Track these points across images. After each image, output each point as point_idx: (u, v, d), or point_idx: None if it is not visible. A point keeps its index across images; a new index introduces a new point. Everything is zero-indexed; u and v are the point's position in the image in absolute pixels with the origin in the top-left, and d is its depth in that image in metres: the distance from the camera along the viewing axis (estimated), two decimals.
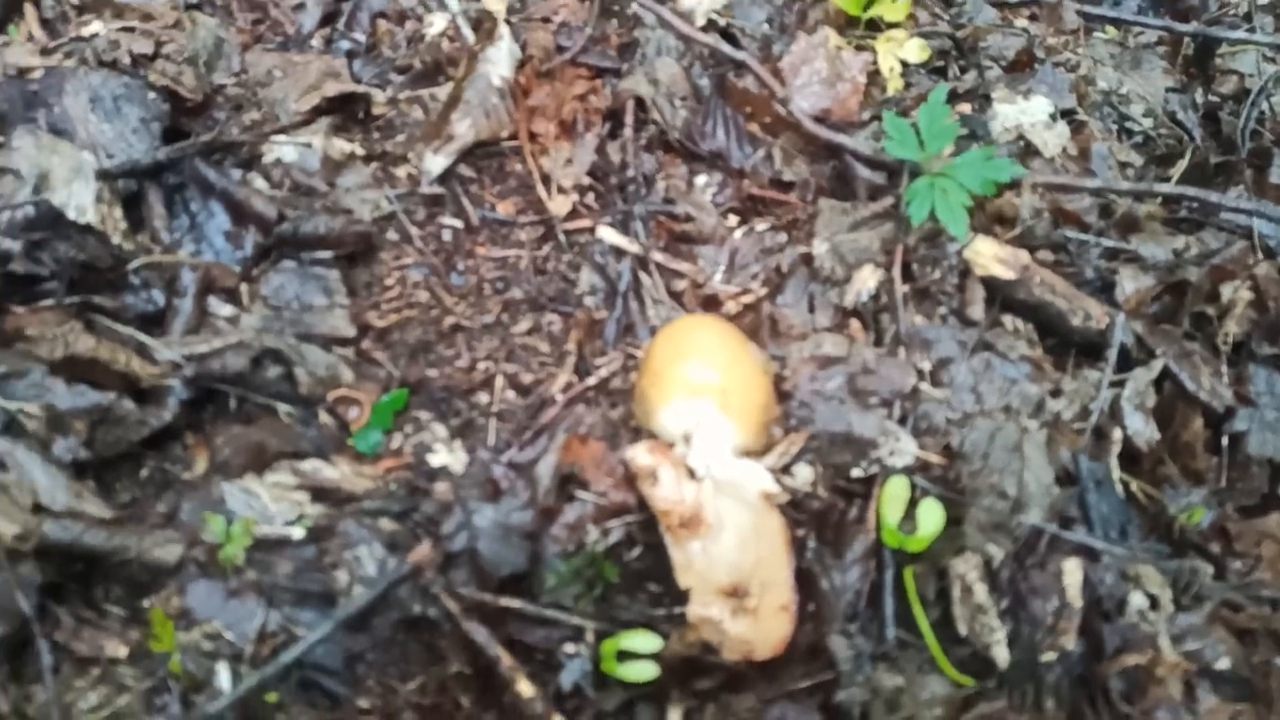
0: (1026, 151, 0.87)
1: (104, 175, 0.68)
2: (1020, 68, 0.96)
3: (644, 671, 0.58)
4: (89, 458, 0.58)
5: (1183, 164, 0.93)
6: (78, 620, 0.55)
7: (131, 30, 0.79)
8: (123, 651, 0.55)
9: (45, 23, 0.82)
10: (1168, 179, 0.91)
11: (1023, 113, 0.89)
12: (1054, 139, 0.88)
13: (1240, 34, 1.05)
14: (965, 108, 0.89)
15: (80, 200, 0.67)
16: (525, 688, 0.56)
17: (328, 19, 0.92)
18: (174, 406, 0.62)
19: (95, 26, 0.79)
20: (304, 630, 0.57)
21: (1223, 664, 0.58)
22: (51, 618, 0.54)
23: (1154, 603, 0.60)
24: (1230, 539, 0.65)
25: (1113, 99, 0.97)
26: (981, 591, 0.59)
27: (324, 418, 0.65)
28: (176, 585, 0.57)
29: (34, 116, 0.71)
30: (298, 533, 0.60)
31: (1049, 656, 0.58)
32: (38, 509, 0.55)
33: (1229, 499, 0.68)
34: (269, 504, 0.61)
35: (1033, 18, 1.06)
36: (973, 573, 0.59)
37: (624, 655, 0.59)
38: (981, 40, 0.97)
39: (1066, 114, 0.92)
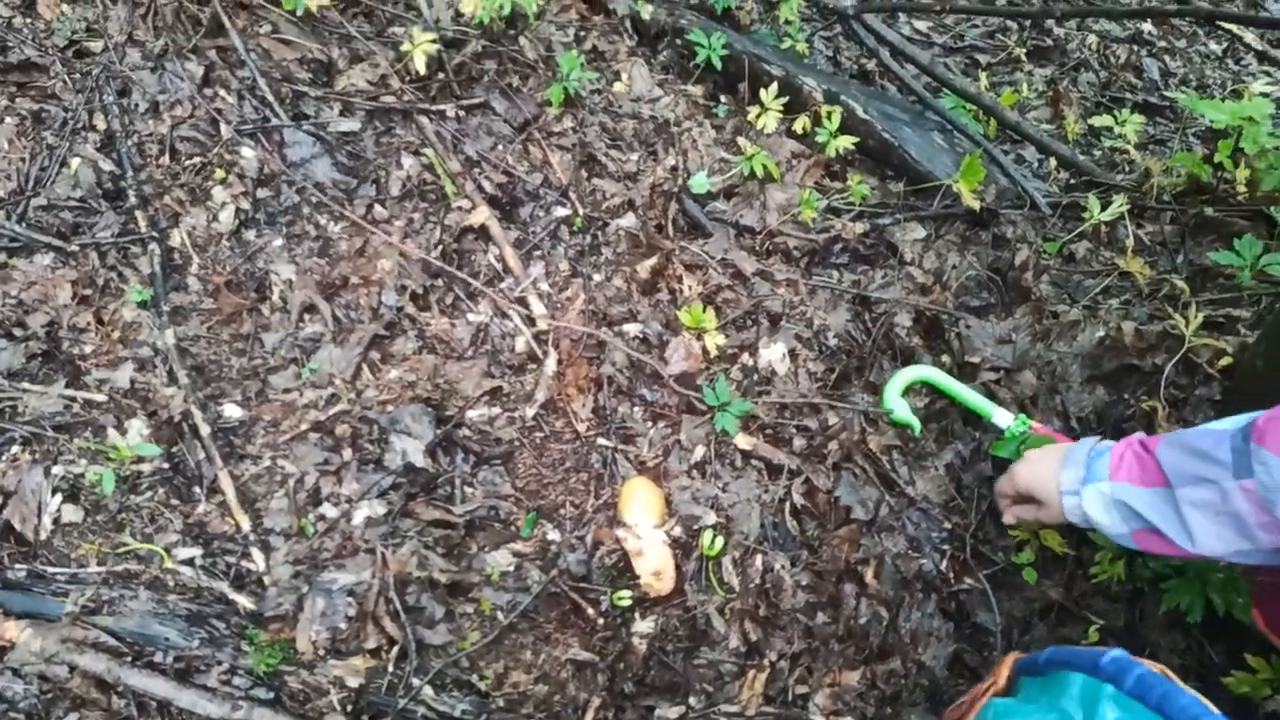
0: (772, 374, 2.06)
1: None
2: (776, 321, 2.15)
3: (626, 600, 1.81)
4: None
5: (846, 363, 2.13)
6: None
7: None
8: None
9: None
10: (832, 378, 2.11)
11: (770, 353, 2.08)
12: (784, 367, 2.07)
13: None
14: (746, 357, 2.08)
15: None
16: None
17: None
18: None
19: None
20: None
21: None
22: None
23: None
24: None
25: (817, 332, 2.15)
26: None
27: None
28: None
29: None
30: None
31: None
32: None
33: None
34: None
35: (789, 283, 2.24)
36: None
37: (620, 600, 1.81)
38: (757, 311, 2.15)
39: (792, 350, 2.11)
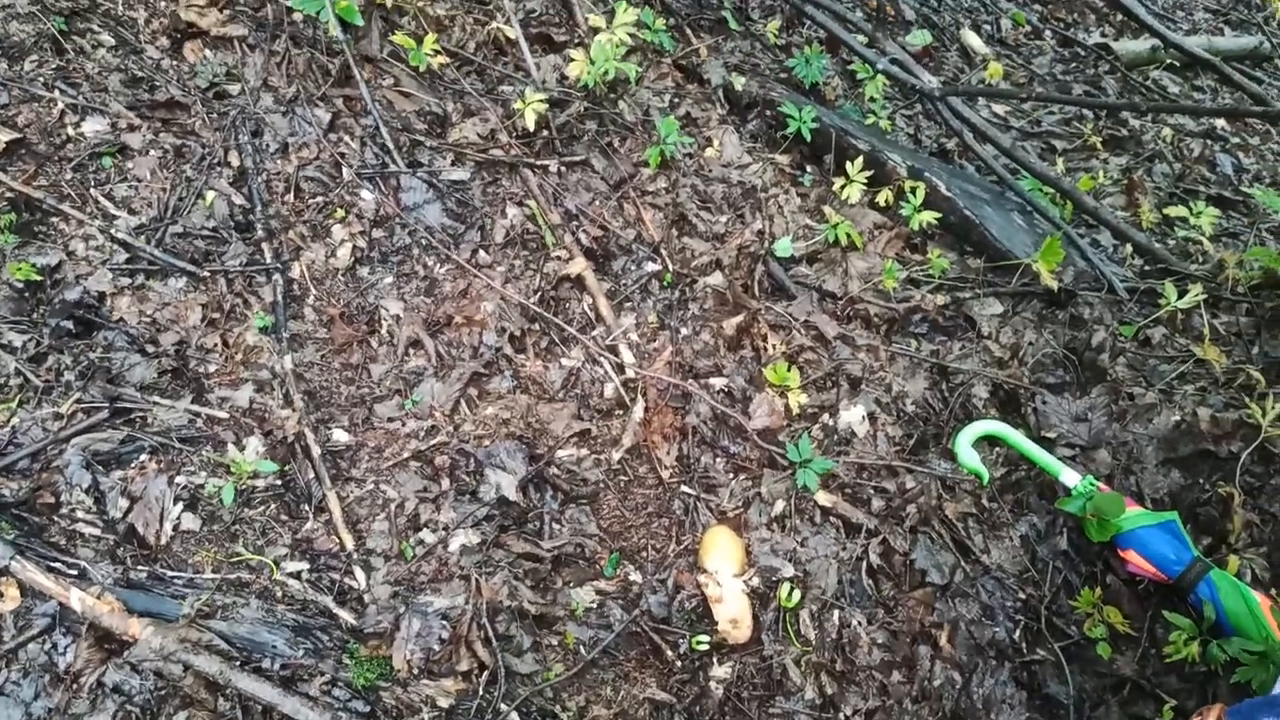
0: (852, 435, 2.13)
1: None
2: (856, 384, 2.22)
3: (704, 645, 1.86)
4: None
5: (923, 430, 2.19)
6: None
7: None
8: None
9: None
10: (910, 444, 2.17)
11: (850, 415, 2.15)
12: (863, 429, 2.14)
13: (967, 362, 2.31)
14: (826, 417, 2.15)
15: None
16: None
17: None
18: None
19: None
20: None
21: None
22: None
23: None
24: None
25: (896, 397, 2.22)
26: None
27: None
28: None
29: None
30: None
31: None
32: None
33: None
34: None
35: (869, 349, 2.32)
36: None
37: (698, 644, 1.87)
38: (837, 374, 2.23)
39: (871, 413, 2.18)
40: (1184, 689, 1.75)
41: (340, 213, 2.22)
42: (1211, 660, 1.72)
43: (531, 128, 2.34)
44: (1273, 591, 1.77)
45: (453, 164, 2.36)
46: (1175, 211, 2.68)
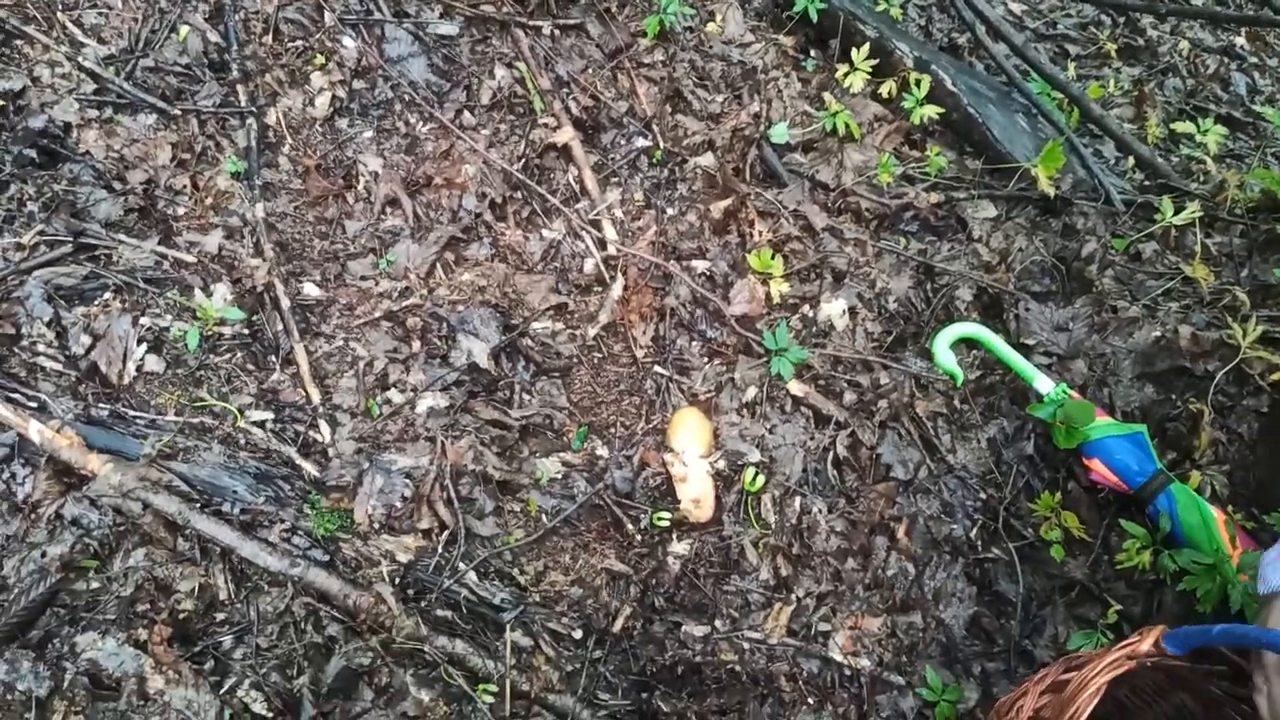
0: (830, 329, 2.11)
1: None
2: (840, 278, 2.19)
3: (665, 521, 1.88)
4: None
5: (903, 328, 2.17)
6: None
7: None
8: None
9: None
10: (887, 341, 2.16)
11: (831, 307, 2.13)
12: (842, 322, 2.11)
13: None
14: (807, 308, 2.12)
15: None
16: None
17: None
18: None
19: None
20: None
21: None
22: None
23: None
24: None
25: (879, 294, 2.19)
26: None
27: None
28: None
29: None
30: None
31: None
32: None
33: None
34: None
35: (857, 243, 2.27)
36: None
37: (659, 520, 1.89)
38: (822, 266, 2.19)
39: (852, 307, 2.15)
40: (1131, 595, 1.78)
41: (320, 59, 2.12)
42: (1161, 569, 1.75)
43: None
44: (1229, 508, 1.80)
45: (441, 17, 2.25)
46: (1183, 128, 2.61)
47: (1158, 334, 2.03)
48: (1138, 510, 1.84)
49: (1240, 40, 3.30)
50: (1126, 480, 1.80)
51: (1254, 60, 3.26)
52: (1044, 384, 1.92)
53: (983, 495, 1.88)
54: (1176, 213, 2.21)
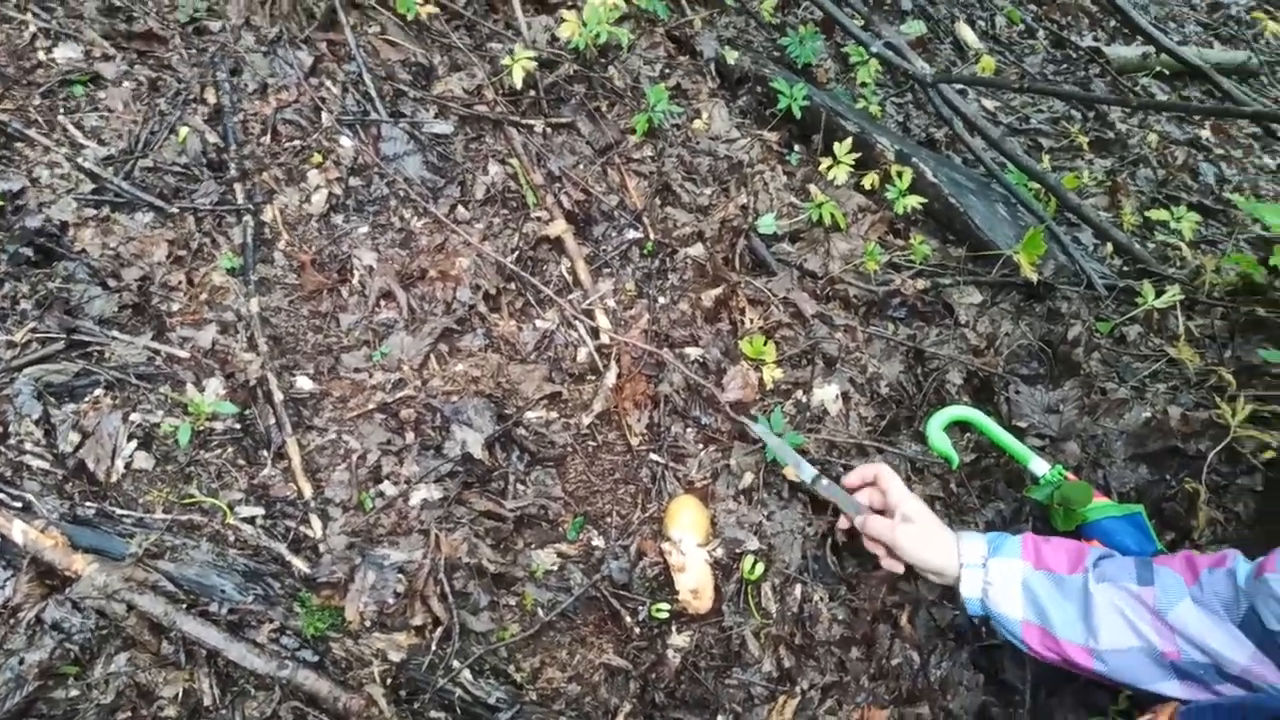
0: (824, 414, 2.12)
1: None
2: (831, 363, 2.20)
3: (664, 613, 1.84)
4: None
5: (896, 412, 2.18)
6: None
7: None
8: None
9: None
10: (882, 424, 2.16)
11: (824, 393, 2.14)
12: (836, 407, 2.12)
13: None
14: (800, 394, 2.13)
15: None
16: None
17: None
18: None
19: None
20: None
21: None
22: None
23: None
24: None
25: (870, 379, 2.21)
26: None
27: None
28: None
29: None
30: None
31: None
32: None
33: None
34: None
35: (847, 329, 2.30)
36: None
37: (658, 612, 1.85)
38: (813, 352, 2.21)
39: (845, 392, 2.17)
40: None
41: (317, 158, 2.16)
42: None
43: (519, 86, 2.30)
44: None
45: (436, 117, 2.31)
46: (1157, 215, 2.69)
47: (1148, 415, 2.04)
48: None
49: (1205, 133, 3.44)
50: None
51: (1220, 152, 3.38)
52: (1039, 466, 1.92)
53: None
54: (1157, 296, 2.26)
